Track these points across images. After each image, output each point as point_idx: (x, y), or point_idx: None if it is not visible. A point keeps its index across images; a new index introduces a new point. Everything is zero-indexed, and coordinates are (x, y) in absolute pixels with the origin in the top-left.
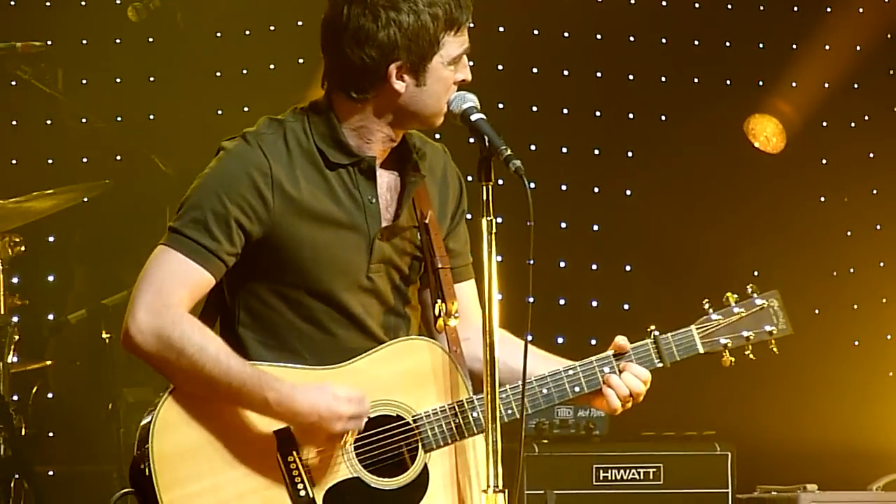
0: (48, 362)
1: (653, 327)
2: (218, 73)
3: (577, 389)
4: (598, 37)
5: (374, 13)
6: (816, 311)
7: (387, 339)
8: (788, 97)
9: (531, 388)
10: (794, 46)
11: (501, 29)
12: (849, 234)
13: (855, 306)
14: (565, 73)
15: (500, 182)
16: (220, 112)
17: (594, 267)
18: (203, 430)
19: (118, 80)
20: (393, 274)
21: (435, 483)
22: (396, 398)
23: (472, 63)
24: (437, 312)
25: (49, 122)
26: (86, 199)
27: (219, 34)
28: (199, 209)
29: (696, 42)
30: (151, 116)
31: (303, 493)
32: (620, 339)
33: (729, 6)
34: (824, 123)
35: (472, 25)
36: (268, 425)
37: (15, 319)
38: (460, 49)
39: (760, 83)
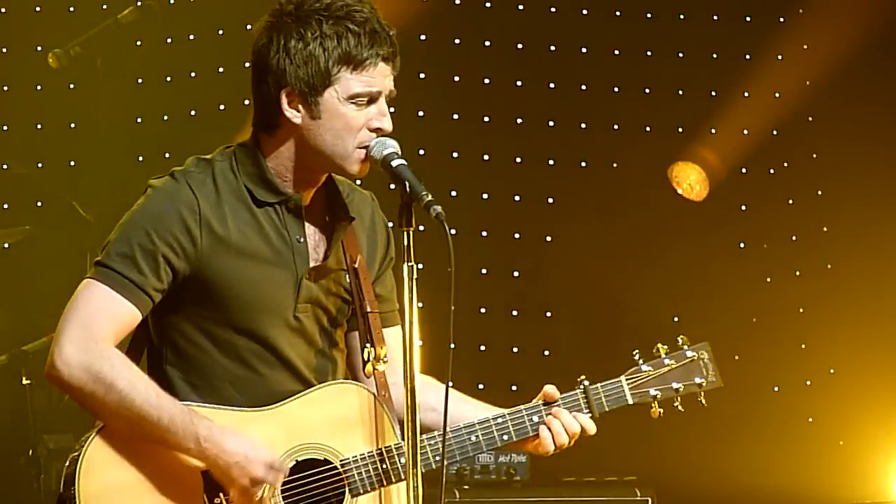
0: None
1: (583, 377)
2: (139, 119)
3: (505, 438)
4: (518, 83)
5: (269, 42)
6: (736, 357)
7: (314, 380)
8: (709, 144)
9: (459, 435)
10: (713, 93)
11: (422, 75)
12: (768, 280)
13: (774, 351)
14: (486, 119)
15: (422, 228)
16: (140, 158)
17: (515, 313)
18: (130, 470)
19: (39, 126)
20: (320, 315)
21: None
22: (325, 442)
23: (392, 110)
24: (365, 357)
25: None
26: (6, 245)
27: (140, 80)
28: (127, 244)
29: (616, 88)
30: (72, 163)
31: None
32: (549, 387)
33: (648, 52)
34: (743, 170)
35: (390, 71)
36: (196, 465)
37: None
38: (361, 88)
39: (680, 129)
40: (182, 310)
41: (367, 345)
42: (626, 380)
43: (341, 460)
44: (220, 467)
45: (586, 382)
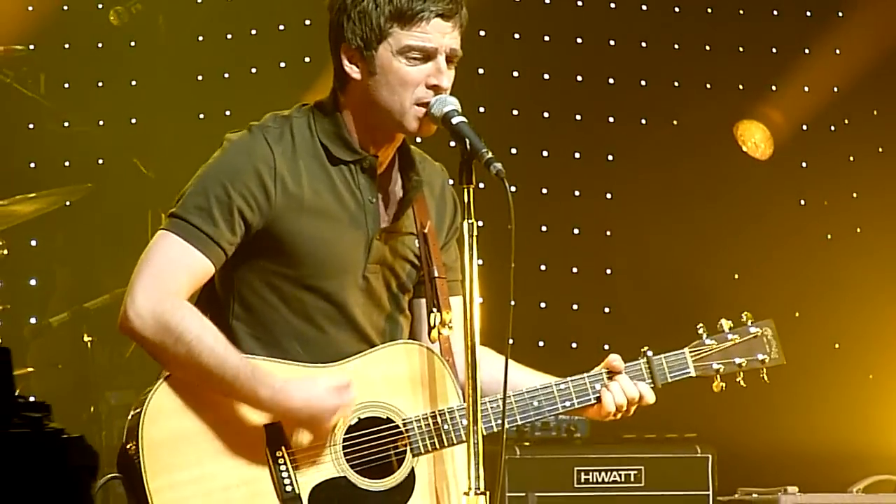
0: (30, 369)
1: (646, 348)
2: (200, 77)
3: (567, 404)
4: (579, 41)
5: (332, 0)
6: (797, 314)
7: (379, 342)
8: (770, 101)
9: (521, 399)
10: (775, 50)
11: (482, 33)
12: (829, 237)
13: (834, 308)
14: (546, 76)
15: (482, 185)
16: (201, 116)
17: (575, 270)
18: (194, 420)
19: (100, 84)
20: (389, 277)
21: (420, 487)
22: (387, 401)
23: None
24: (431, 322)
25: (31, 126)
26: (68, 203)
27: (201, 38)
28: (203, 196)
29: (676, 45)
30: (133, 120)
31: (289, 488)
32: (613, 357)
33: (709, 10)
34: (804, 127)
35: (450, 28)
36: (259, 419)
37: None
38: (413, 42)
39: (741, 87)
40: (252, 265)
41: (434, 310)
42: (690, 352)
43: (403, 419)
44: (296, 422)
45: (650, 353)
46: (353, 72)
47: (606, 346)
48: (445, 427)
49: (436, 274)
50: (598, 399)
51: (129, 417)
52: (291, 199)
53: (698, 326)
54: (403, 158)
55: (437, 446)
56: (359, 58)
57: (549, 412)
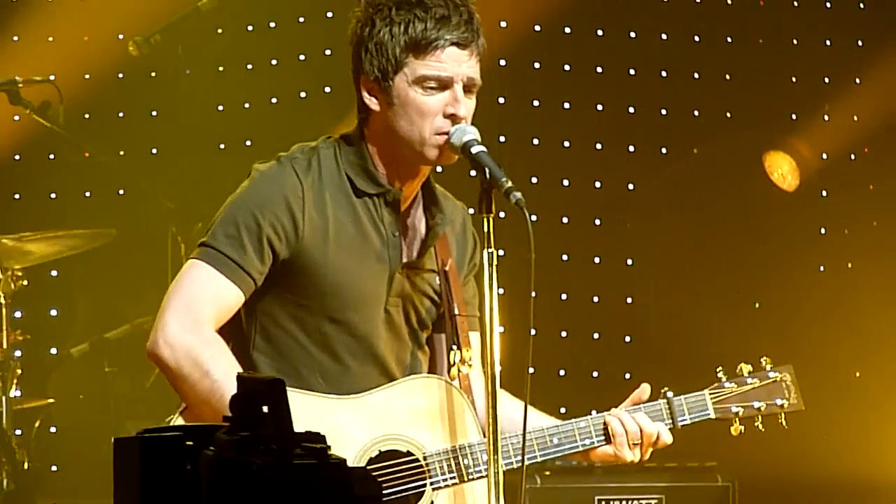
0: (51, 400)
1: (666, 388)
2: (220, 107)
3: (587, 442)
4: (599, 70)
5: (353, 32)
6: (818, 343)
7: (400, 375)
8: (792, 131)
9: (542, 435)
10: (794, 80)
11: (503, 63)
12: (850, 266)
13: (856, 337)
14: (566, 105)
15: (502, 215)
16: (222, 146)
17: (596, 300)
18: None
19: (121, 115)
20: (410, 312)
21: None
22: (408, 434)
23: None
24: (451, 360)
25: (51, 156)
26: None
27: (221, 68)
28: (234, 225)
29: (696, 75)
30: (154, 151)
31: None
32: (637, 393)
33: (729, 39)
34: (824, 156)
35: (466, 57)
36: None
37: (18, 354)
38: (428, 72)
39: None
40: (275, 295)
41: (454, 347)
42: (710, 394)
43: (424, 454)
44: None
45: (670, 394)
46: (373, 103)
47: (627, 376)
48: (465, 462)
49: (456, 311)
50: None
51: None
52: (317, 231)
53: (717, 370)
54: (427, 194)
55: (457, 481)
56: (377, 89)
57: (568, 449)
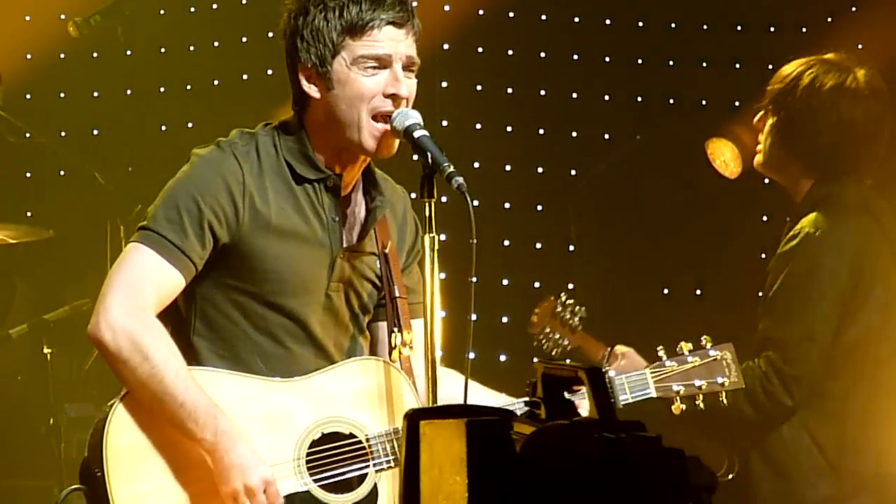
0: None
1: (607, 367)
2: (162, 89)
3: None
4: (542, 55)
5: (286, 23)
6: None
7: (339, 359)
8: (736, 118)
9: None
10: (738, 66)
11: (446, 46)
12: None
13: None
14: (509, 90)
15: (444, 199)
16: (163, 128)
17: (536, 285)
18: (156, 433)
19: (62, 96)
20: (351, 296)
21: (383, 502)
22: (350, 416)
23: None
24: (392, 342)
25: None
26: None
27: (162, 49)
28: (174, 210)
29: (640, 61)
30: (95, 132)
31: None
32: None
33: (672, 25)
34: None
35: (403, 36)
36: None
37: None
38: (366, 51)
39: (703, 102)
40: (214, 281)
41: (395, 329)
42: (651, 373)
43: (366, 435)
44: (224, 464)
45: (612, 373)
46: (312, 91)
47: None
48: None
49: (397, 294)
50: None
51: (92, 430)
52: (258, 216)
53: (658, 348)
54: (367, 179)
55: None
56: (316, 76)
57: None
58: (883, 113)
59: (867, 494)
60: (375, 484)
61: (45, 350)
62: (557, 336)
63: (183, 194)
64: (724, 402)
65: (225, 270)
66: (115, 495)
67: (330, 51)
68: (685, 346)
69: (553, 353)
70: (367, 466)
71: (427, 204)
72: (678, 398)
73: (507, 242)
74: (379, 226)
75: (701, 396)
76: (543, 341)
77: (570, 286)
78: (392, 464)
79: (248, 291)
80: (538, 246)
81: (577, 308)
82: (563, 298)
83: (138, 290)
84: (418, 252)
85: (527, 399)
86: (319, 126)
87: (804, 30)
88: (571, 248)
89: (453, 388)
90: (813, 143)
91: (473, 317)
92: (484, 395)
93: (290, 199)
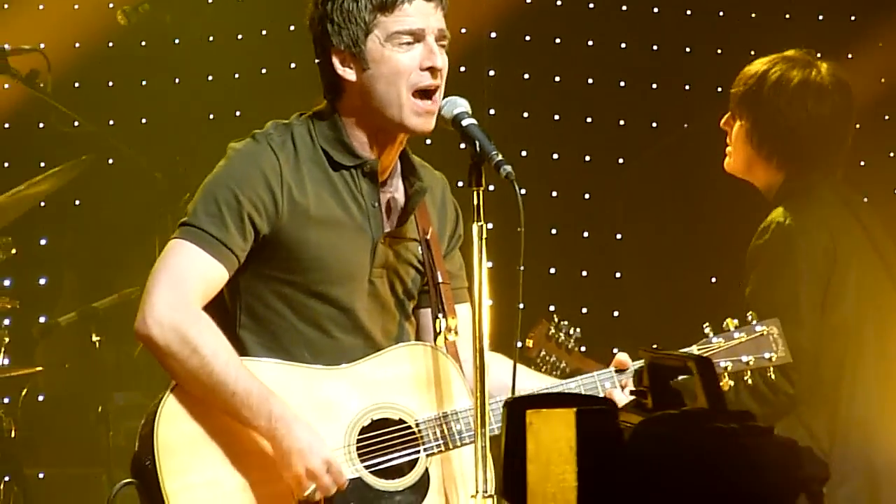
0: (38, 368)
1: (655, 346)
2: (210, 78)
3: None
4: (590, 43)
5: (314, 10)
6: None
7: (386, 346)
8: None
9: None
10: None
11: (493, 35)
12: None
13: None
14: (557, 79)
15: (492, 188)
16: (211, 116)
17: (584, 274)
18: (208, 423)
19: (110, 84)
20: (395, 282)
21: (434, 487)
22: (399, 402)
23: (463, 68)
24: (437, 328)
25: (41, 125)
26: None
27: (210, 38)
28: (214, 204)
29: (688, 49)
30: (143, 120)
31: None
32: (621, 355)
33: (721, 13)
34: None
35: (433, 8)
36: None
37: (6, 322)
38: (399, 27)
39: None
40: (258, 273)
41: (440, 315)
42: (697, 350)
43: (416, 420)
44: (283, 449)
45: None
46: (348, 73)
47: (615, 350)
48: (458, 427)
49: (440, 279)
50: (606, 397)
51: (143, 422)
52: (297, 206)
53: (704, 326)
54: (405, 165)
55: (450, 446)
56: (350, 58)
57: None
58: (848, 107)
59: (856, 479)
60: (427, 468)
61: (94, 338)
62: (554, 359)
63: (221, 188)
64: (772, 377)
65: (268, 262)
66: (167, 488)
67: (363, 30)
68: (731, 323)
69: (553, 375)
70: (418, 451)
71: (475, 192)
72: (726, 374)
73: (554, 231)
74: (419, 212)
75: (749, 373)
76: (541, 365)
77: (618, 275)
78: (442, 448)
79: (291, 282)
80: (585, 235)
81: (572, 330)
82: (556, 320)
83: (182, 285)
84: (460, 237)
85: (577, 379)
86: (355, 110)
87: (853, 18)
88: (619, 236)
89: (501, 372)
90: (783, 141)
91: (521, 306)
92: (532, 379)
93: (328, 186)
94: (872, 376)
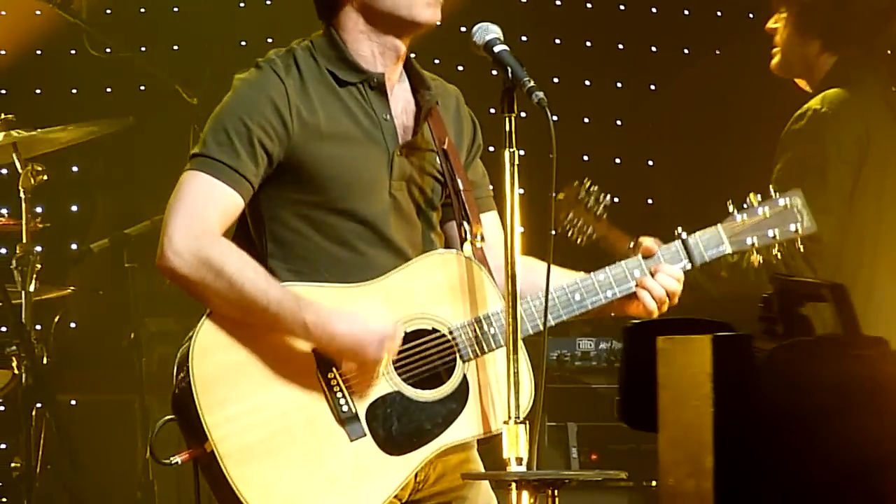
0: (70, 289)
1: (679, 229)
2: (242, 4)
3: (609, 294)
4: None
5: None
6: None
7: (415, 257)
8: None
9: (563, 293)
10: None
11: None
12: None
13: None
14: (588, 5)
15: (524, 114)
16: (243, 43)
17: (616, 200)
18: (242, 352)
19: (142, 10)
20: (416, 193)
21: (474, 392)
22: (432, 311)
23: None
24: (462, 235)
25: (73, 52)
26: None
27: None
28: (223, 132)
29: None
30: (175, 47)
31: (345, 408)
32: (648, 241)
33: None
34: None
35: None
36: (307, 345)
37: (38, 249)
38: None
39: None
40: (279, 199)
41: (464, 222)
42: (723, 227)
43: (449, 328)
44: (334, 352)
45: (684, 234)
46: None
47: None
48: (492, 331)
49: (461, 187)
50: (639, 286)
51: (178, 358)
52: (308, 127)
53: (728, 203)
54: (413, 77)
55: (486, 350)
56: None
57: (591, 304)
58: None
59: None
60: (465, 375)
61: (126, 264)
62: (582, 223)
63: (230, 117)
64: (801, 248)
65: (287, 186)
66: (207, 420)
67: None
68: (754, 198)
69: (578, 242)
70: (454, 359)
71: (507, 119)
72: (754, 250)
73: (586, 157)
74: (434, 122)
75: (777, 246)
76: (569, 228)
77: (650, 201)
78: (478, 352)
79: (313, 203)
80: (617, 161)
81: (602, 196)
82: (588, 184)
83: (198, 214)
84: (479, 147)
85: (605, 270)
86: (355, 25)
87: None
88: (651, 162)
89: (532, 273)
90: (831, 16)
91: (553, 233)
92: (562, 276)
93: (337, 103)
94: (889, 274)
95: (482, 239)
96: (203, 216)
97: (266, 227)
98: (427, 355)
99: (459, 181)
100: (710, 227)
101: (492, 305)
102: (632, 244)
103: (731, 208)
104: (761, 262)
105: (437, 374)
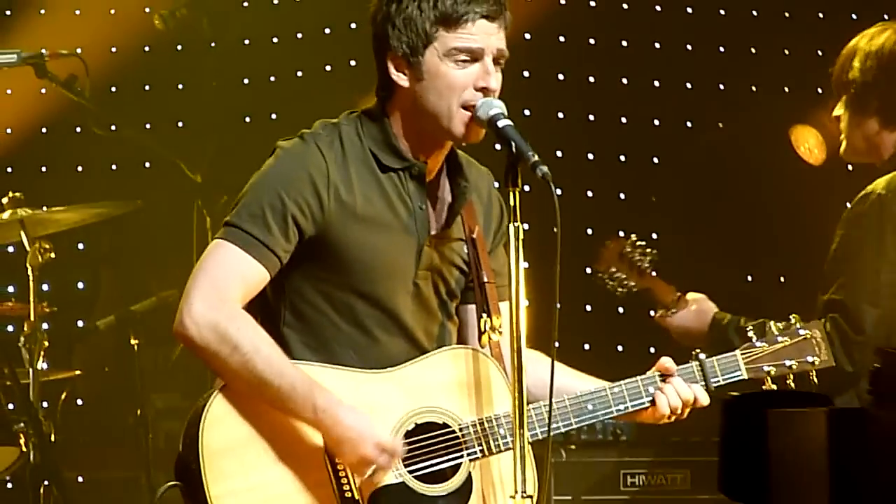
0: (77, 372)
1: (698, 350)
2: (245, 81)
3: (620, 408)
4: (624, 43)
5: (377, 10)
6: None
7: (430, 348)
8: (819, 104)
9: (577, 402)
10: (820, 53)
11: (528, 36)
12: None
13: None
14: (591, 79)
15: (528, 188)
16: (247, 119)
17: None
18: (252, 427)
19: (147, 88)
20: (439, 283)
21: (477, 492)
22: (443, 406)
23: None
24: (482, 327)
25: (78, 129)
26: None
27: (246, 41)
28: (258, 205)
29: (722, 48)
30: (180, 124)
31: (349, 494)
32: (665, 359)
33: (754, 13)
34: None
35: (495, 29)
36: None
37: (45, 326)
38: (460, 44)
39: (786, 89)
40: (304, 272)
41: (484, 314)
42: (741, 354)
43: (460, 424)
44: (333, 439)
45: (702, 356)
46: (401, 79)
47: (652, 350)
48: (501, 431)
49: (485, 279)
50: (653, 402)
51: (187, 424)
52: (344, 207)
53: (748, 329)
54: (451, 164)
55: (493, 451)
56: (405, 65)
57: (603, 415)
58: None
59: None
60: (469, 473)
61: (132, 341)
62: (623, 277)
63: (267, 189)
64: (815, 381)
65: (313, 262)
66: (211, 491)
67: (422, 41)
68: (775, 326)
69: (617, 293)
70: (461, 456)
71: (511, 193)
72: (769, 378)
73: (590, 231)
74: (466, 210)
75: (791, 376)
76: (607, 280)
77: (653, 273)
78: (486, 452)
79: (335, 282)
80: (621, 234)
81: (648, 250)
82: (634, 239)
83: (221, 285)
84: (504, 234)
85: (621, 383)
86: (405, 113)
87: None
88: (655, 235)
89: (542, 372)
90: (885, 92)
91: (558, 306)
92: (572, 377)
93: (375, 187)
94: None
95: (500, 332)
96: (226, 288)
97: (286, 297)
98: (435, 449)
99: (484, 273)
100: (728, 353)
101: (503, 405)
102: (677, 296)
103: (750, 334)
104: (775, 389)
105: (443, 470)
